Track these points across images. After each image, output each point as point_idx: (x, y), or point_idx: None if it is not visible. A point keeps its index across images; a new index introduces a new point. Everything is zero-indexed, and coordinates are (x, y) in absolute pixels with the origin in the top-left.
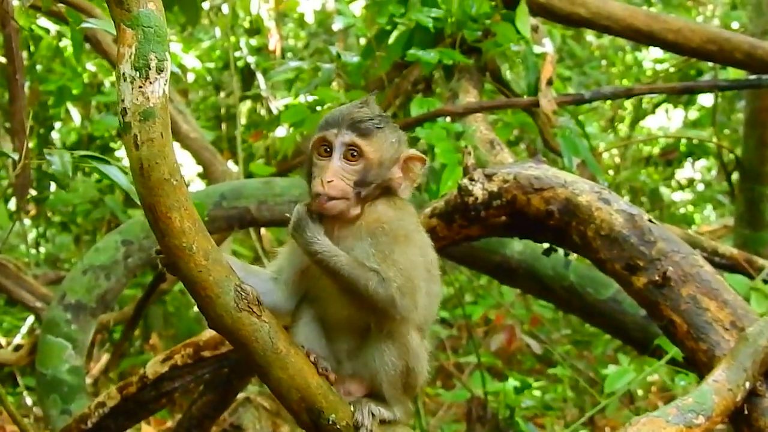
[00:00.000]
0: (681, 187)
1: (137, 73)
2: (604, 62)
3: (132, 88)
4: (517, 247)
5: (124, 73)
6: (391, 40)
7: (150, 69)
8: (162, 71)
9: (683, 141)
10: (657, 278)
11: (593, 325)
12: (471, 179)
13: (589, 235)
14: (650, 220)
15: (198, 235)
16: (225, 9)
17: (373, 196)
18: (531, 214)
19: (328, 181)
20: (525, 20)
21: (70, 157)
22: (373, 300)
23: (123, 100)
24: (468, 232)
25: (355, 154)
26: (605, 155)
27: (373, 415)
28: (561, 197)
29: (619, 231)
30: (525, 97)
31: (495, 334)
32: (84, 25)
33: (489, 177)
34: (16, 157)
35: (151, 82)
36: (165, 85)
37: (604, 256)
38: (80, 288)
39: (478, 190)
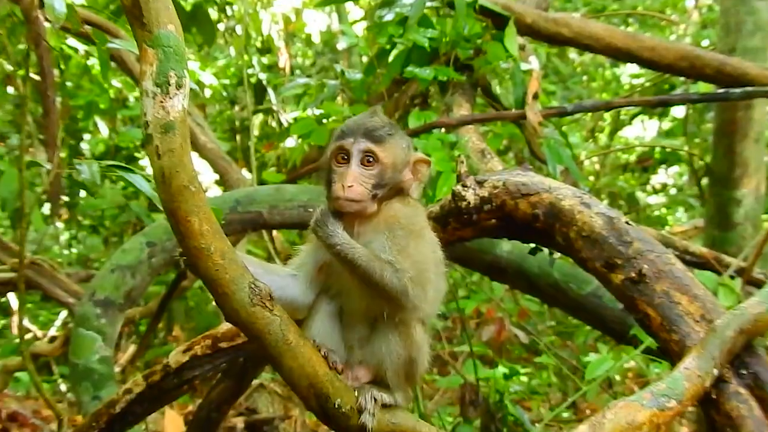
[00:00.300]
0: (655, 192)
1: (158, 89)
2: (585, 78)
3: (154, 103)
4: (506, 247)
5: (146, 90)
6: (390, 59)
7: (170, 85)
8: (181, 87)
9: (657, 149)
10: (633, 275)
11: (576, 318)
12: (464, 186)
13: (571, 236)
14: (627, 222)
15: (215, 237)
16: (239, 30)
17: (388, 196)
18: (519, 218)
19: (349, 186)
20: (513, 40)
21: (98, 167)
22: (387, 289)
23: (145, 114)
24: (461, 234)
25: (371, 159)
26: (586, 163)
27: (375, 400)
28: (546, 202)
29: (598, 232)
30: (513, 110)
31: (486, 326)
32: (109, 45)
33: (480, 183)
34: (49, 166)
35: (170, 98)
36: (184, 100)
37: (585, 255)
38: (109, 285)
39: (471, 196)
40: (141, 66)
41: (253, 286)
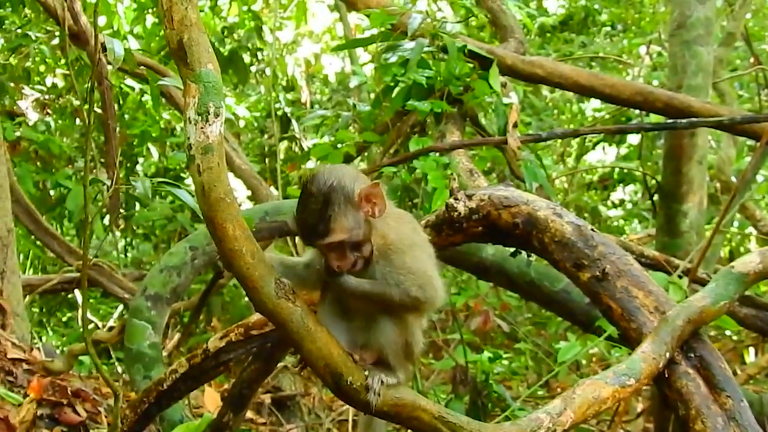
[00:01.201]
0: (614, 206)
1: (199, 117)
2: (556, 111)
3: (195, 129)
4: (490, 250)
5: (189, 118)
6: (394, 94)
7: (209, 114)
8: (218, 116)
9: (617, 171)
10: (598, 274)
11: (549, 311)
12: (456, 199)
13: (546, 241)
14: (592, 229)
15: (246, 240)
16: (267, 72)
17: (368, 238)
18: (501, 226)
19: (338, 266)
20: (496, 78)
21: (150, 183)
22: (401, 305)
23: (189, 138)
24: (453, 239)
25: (334, 245)
26: (557, 182)
27: (382, 381)
28: (524, 212)
29: (569, 238)
30: (496, 136)
31: (473, 317)
32: (160, 82)
33: (469, 197)
34: (109, 182)
35: (210, 124)
36: (221, 126)
37: (557, 257)
38: (158, 283)
39: (461, 207)
40: (185, 99)
41: (278, 281)
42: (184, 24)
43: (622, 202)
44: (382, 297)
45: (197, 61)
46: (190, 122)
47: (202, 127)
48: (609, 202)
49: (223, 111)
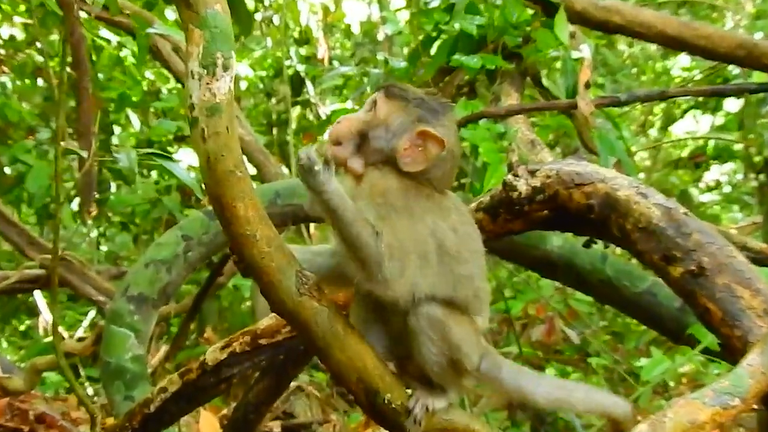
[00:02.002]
0: (709, 189)
1: (205, 70)
2: (635, 69)
3: (200, 85)
4: (557, 242)
5: (192, 71)
6: (436, 47)
7: (217, 67)
8: (228, 69)
9: (711, 144)
10: (693, 268)
11: (629, 317)
12: (515, 175)
13: (627, 228)
14: (686, 213)
15: (261, 223)
16: (276, 20)
17: (376, 160)
18: (572, 209)
19: (338, 123)
20: (563, 27)
21: (136, 155)
22: (363, 252)
23: (191, 97)
24: (511, 226)
25: (372, 109)
26: (637, 158)
27: (427, 408)
28: (601, 192)
29: (656, 224)
30: (563, 100)
31: (534, 327)
32: (150, 30)
33: (532, 173)
34: (85, 154)
35: (217, 80)
36: (231, 82)
37: (642, 247)
38: (143, 281)
39: (522, 186)
40: (187, 47)
41: (300, 274)
42: None
43: (718, 184)
44: (353, 230)
45: (202, 1)
46: (193, 77)
47: (207, 83)
48: (702, 184)
49: (233, 63)
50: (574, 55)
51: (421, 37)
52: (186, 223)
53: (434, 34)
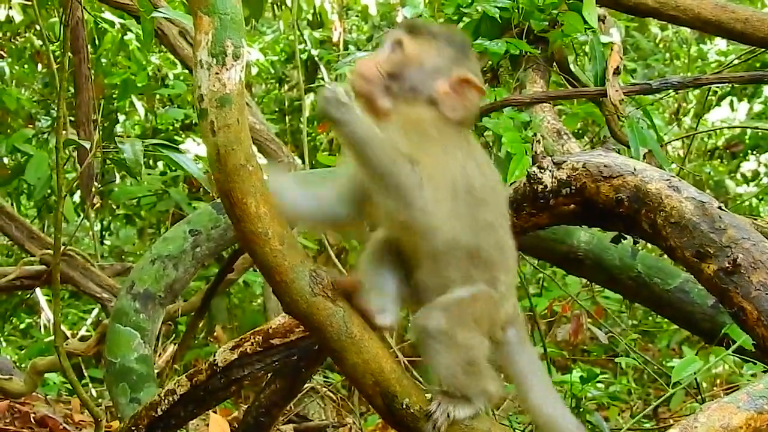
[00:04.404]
0: (746, 180)
1: (214, 59)
2: (668, 54)
3: (209, 75)
4: (584, 237)
5: (200, 60)
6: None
7: (227, 56)
8: (238, 58)
9: (749, 133)
10: (727, 265)
11: (661, 315)
12: (540, 167)
13: (659, 222)
14: (720, 207)
15: (273, 220)
16: (288, 1)
17: (408, 98)
18: (600, 202)
19: (362, 63)
20: (592, 10)
21: (141, 146)
22: (398, 178)
23: (200, 87)
24: (537, 220)
25: (397, 49)
26: (669, 148)
27: (448, 415)
28: (630, 185)
29: (689, 218)
30: (592, 87)
31: (560, 325)
32: (155, 14)
33: (558, 165)
34: (87, 144)
35: (227, 69)
36: (241, 71)
37: (673, 243)
38: (149, 277)
39: (548, 178)
40: (195, 35)
41: (314, 274)
42: None
43: (756, 175)
44: (384, 160)
45: None
46: (202, 66)
47: (217, 73)
48: (738, 175)
49: (244, 51)
50: (603, 39)
51: (441, 20)
52: (194, 217)
53: (455, 17)
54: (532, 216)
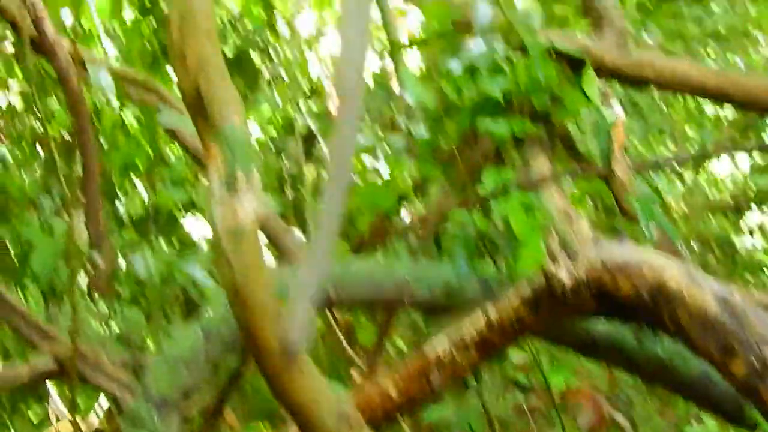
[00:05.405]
0: (751, 233)
1: (226, 190)
2: (665, 108)
3: (222, 207)
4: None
5: (213, 192)
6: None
7: (238, 184)
8: (251, 184)
9: (752, 187)
10: (757, 365)
11: (682, 398)
12: (553, 260)
13: (683, 318)
14: (743, 300)
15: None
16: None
17: None
18: (620, 298)
19: None
20: (593, 85)
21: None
22: None
23: (213, 220)
24: (554, 317)
25: None
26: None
27: None
28: (650, 281)
29: (713, 315)
30: (596, 161)
31: (580, 411)
32: (162, 120)
33: (572, 257)
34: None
35: (240, 197)
36: (254, 201)
37: (698, 341)
38: (163, 381)
39: (564, 275)
40: (205, 163)
41: (342, 414)
42: (202, 65)
43: (761, 227)
44: None
45: (220, 114)
46: (214, 197)
47: (230, 204)
48: (744, 228)
49: (256, 177)
50: (607, 115)
51: (437, 99)
52: (206, 318)
53: (456, 98)
54: (550, 314)
